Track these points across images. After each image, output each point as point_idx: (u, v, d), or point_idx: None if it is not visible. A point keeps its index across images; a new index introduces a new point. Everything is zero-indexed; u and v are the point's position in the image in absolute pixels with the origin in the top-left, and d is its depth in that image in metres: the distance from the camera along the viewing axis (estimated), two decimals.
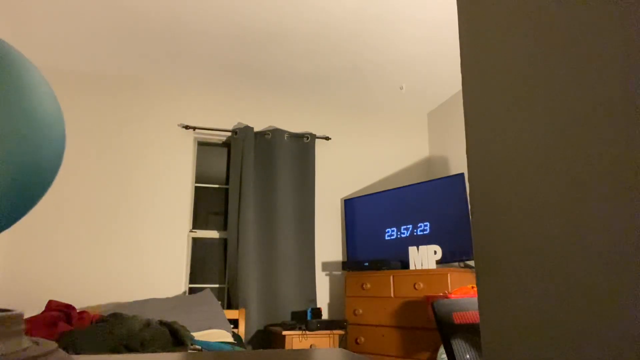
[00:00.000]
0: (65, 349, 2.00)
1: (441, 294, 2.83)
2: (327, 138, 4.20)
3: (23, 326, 0.36)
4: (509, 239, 0.48)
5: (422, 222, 3.55)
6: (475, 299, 1.51)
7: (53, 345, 0.37)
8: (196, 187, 3.92)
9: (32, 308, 3.21)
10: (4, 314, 0.33)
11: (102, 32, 3.15)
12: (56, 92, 3.60)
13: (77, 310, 2.59)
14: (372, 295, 3.33)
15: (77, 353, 1.97)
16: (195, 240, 3.82)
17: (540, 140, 0.45)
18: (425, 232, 3.51)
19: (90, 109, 3.68)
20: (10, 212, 0.52)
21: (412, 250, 3.29)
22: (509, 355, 0.47)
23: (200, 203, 3.91)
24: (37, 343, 0.37)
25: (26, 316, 2.60)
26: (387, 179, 4.34)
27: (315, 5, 2.86)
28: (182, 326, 2.36)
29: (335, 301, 3.95)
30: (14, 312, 0.34)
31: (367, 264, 3.45)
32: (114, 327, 2.15)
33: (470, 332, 1.40)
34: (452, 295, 2.67)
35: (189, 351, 2.13)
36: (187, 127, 3.81)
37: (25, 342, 0.35)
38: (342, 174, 4.22)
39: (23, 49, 3.36)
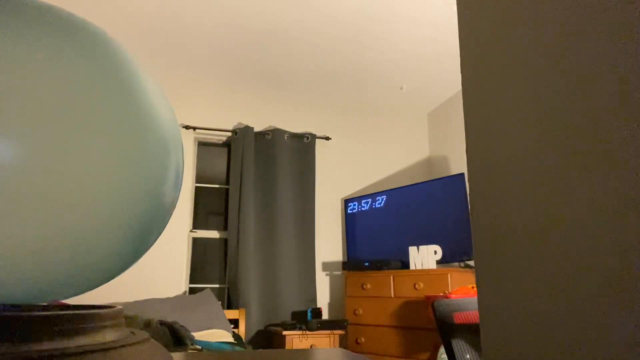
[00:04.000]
0: None
1: (441, 294, 2.83)
2: (327, 138, 4.20)
3: (123, 319, 0.43)
4: (509, 239, 0.48)
5: (422, 222, 3.55)
6: (475, 299, 1.51)
7: (146, 335, 0.45)
8: (196, 187, 3.92)
9: None
10: (110, 309, 0.41)
11: None
12: None
13: None
14: (372, 295, 3.33)
15: None
16: (195, 240, 3.82)
17: (540, 140, 0.44)
18: (425, 232, 3.51)
19: None
20: (140, 243, 0.49)
21: (412, 250, 3.29)
22: (509, 355, 0.47)
23: (200, 203, 3.91)
24: (133, 333, 0.45)
25: None
26: (387, 179, 4.34)
27: (315, 6, 2.86)
28: (183, 326, 2.36)
29: (336, 301, 3.95)
30: (117, 308, 0.43)
31: (367, 264, 3.45)
32: None
33: (470, 332, 1.40)
34: (452, 295, 2.66)
35: (189, 351, 2.13)
36: (187, 127, 3.81)
37: (125, 332, 0.43)
38: (342, 174, 4.22)
39: None
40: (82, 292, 0.49)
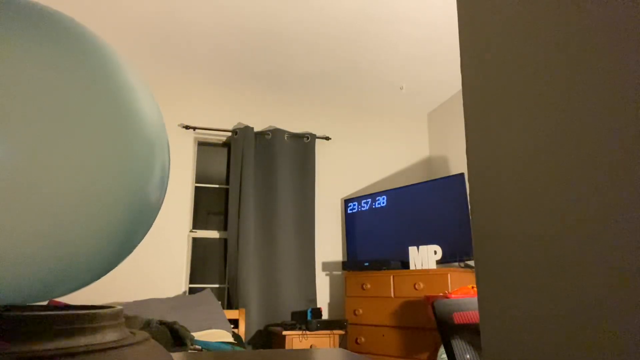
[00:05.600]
0: None
1: (441, 294, 2.83)
2: (327, 138, 4.20)
3: (123, 319, 0.43)
4: (509, 239, 0.48)
5: (422, 222, 3.55)
6: (475, 299, 1.51)
7: (146, 335, 0.45)
8: (196, 187, 3.92)
9: None
10: (110, 309, 0.41)
11: (100, 33, 3.15)
12: None
13: None
14: (372, 295, 3.33)
15: None
16: (195, 240, 3.82)
17: (540, 140, 0.45)
18: (425, 232, 3.51)
19: None
20: (123, 245, 0.47)
21: (412, 250, 3.29)
22: (509, 355, 0.47)
23: (200, 203, 3.91)
24: (133, 333, 0.45)
25: None
26: (387, 179, 4.34)
27: (315, 6, 2.86)
28: (183, 326, 2.36)
29: (335, 301, 3.95)
30: (117, 308, 0.43)
31: (367, 264, 3.45)
32: None
33: (470, 332, 1.40)
34: (452, 295, 2.66)
35: (189, 351, 2.13)
36: (187, 127, 3.81)
37: (125, 332, 0.44)
38: (342, 174, 4.22)
39: None
40: (64, 294, 0.48)
